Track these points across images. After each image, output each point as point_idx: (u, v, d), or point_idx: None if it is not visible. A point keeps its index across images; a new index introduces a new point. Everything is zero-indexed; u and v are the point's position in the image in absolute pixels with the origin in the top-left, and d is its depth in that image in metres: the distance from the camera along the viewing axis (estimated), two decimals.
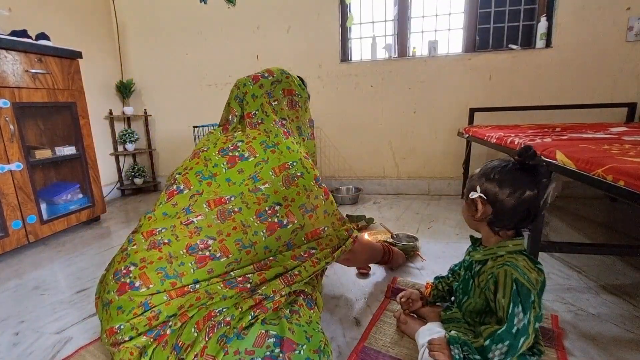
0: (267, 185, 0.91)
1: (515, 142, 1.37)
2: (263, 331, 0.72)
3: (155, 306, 0.77)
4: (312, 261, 0.92)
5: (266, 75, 1.14)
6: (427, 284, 1.05)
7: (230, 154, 0.97)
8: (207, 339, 0.71)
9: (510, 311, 0.70)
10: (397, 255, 1.37)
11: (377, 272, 1.40)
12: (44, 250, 1.79)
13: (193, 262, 0.83)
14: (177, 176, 0.98)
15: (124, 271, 0.81)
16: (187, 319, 0.77)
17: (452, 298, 1.00)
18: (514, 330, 0.69)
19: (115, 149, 2.87)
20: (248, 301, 0.80)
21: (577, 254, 1.43)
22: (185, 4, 2.67)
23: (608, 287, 1.21)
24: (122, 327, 0.74)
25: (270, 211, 0.90)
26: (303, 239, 0.93)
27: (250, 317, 0.76)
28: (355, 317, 1.11)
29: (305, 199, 0.92)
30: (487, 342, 0.71)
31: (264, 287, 0.85)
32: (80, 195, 2.09)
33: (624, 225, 1.83)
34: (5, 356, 0.99)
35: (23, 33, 1.84)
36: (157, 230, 0.87)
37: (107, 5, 2.80)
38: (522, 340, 0.69)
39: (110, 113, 2.79)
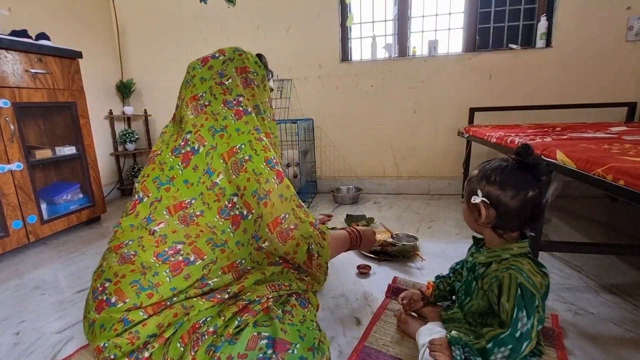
0: (221, 177, 0.87)
1: (516, 142, 1.37)
2: (255, 334, 0.71)
3: (134, 322, 0.75)
4: (297, 277, 0.94)
5: (217, 55, 1.08)
6: (429, 283, 1.05)
7: (183, 150, 0.93)
8: (193, 353, 0.69)
9: (514, 316, 0.69)
10: (367, 238, 1.24)
11: (378, 271, 1.40)
12: (45, 250, 1.79)
13: (168, 271, 0.81)
14: (136, 185, 0.96)
15: (100, 288, 0.80)
16: (165, 340, 0.74)
17: (453, 297, 1.00)
18: (517, 335, 0.69)
19: (116, 148, 2.87)
20: (231, 308, 0.79)
21: (577, 254, 1.43)
22: (186, 4, 2.67)
23: (608, 287, 1.21)
24: (106, 345, 0.73)
25: (229, 204, 0.87)
26: (267, 230, 0.88)
27: (236, 323, 0.74)
28: (356, 316, 1.11)
29: (255, 184, 0.86)
30: (489, 345, 0.70)
31: (248, 293, 0.84)
32: (81, 195, 2.09)
33: (624, 224, 1.83)
34: (6, 356, 0.99)
35: (23, 33, 1.84)
36: (124, 242, 0.86)
37: (107, 5, 2.80)
38: (525, 344, 0.69)
39: (111, 113, 2.79)
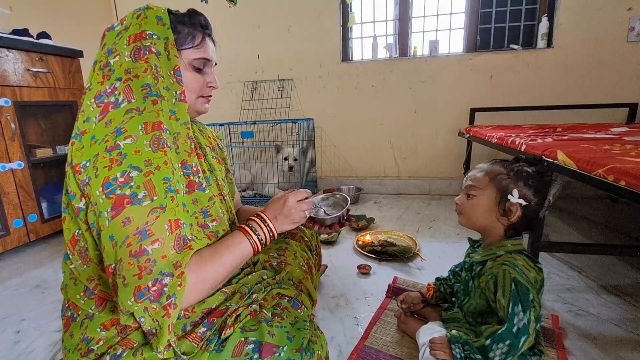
0: (83, 201, 0.63)
1: (517, 142, 1.37)
2: (242, 339, 0.67)
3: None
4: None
5: (114, 25, 0.75)
6: (429, 285, 1.05)
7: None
8: (175, 358, 0.64)
9: (510, 310, 0.71)
10: (282, 215, 0.79)
11: (378, 271, 1.40)
12: (45, 249, 1.79)
13: None
14: None
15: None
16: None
17: (453, 299, 1.00)
18: (514, 330, 0.70)
19: None
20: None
21: (578, 254, 1.43)
22: (186, 3, 2.66)
23: (608, 287, 1.21)
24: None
25: (79, 239, 0.66)
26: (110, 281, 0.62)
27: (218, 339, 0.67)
28: (356, 316, 1.11)
29: (92, 217, 0.61)
30: (487, 342, 0.71)
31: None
32: None
33: (625, 225, 1.83)
34: (7, 354, 1.00)
35: (24, 32, 1.84)
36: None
37: (108, 4, 2.80)
38: (522, 339, 0.69)
39: None
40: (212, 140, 0.95)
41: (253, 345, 0.67)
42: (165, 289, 0.58)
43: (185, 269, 0.61)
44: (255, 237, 0.74)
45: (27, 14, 2.14)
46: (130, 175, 0.60)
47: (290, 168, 2.41)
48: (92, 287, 0.66)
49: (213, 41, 0.82)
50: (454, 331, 0.81)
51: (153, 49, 0.71)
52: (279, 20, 2.56)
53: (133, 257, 0.57)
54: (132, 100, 0.67)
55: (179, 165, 0.70)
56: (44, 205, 1.85)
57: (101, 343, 0.66)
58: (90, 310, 0.67)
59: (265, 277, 0.90)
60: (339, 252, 1.58)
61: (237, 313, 0.73)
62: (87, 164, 0.61)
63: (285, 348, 0.67)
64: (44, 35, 1.92)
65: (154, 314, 0.58)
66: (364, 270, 1.37)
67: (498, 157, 0.88)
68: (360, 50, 2.64)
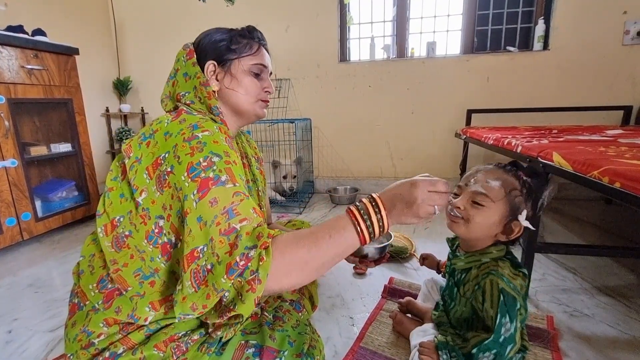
0: (144, 195, 0.65)
1: (513, 144, 1.38)
2: (243, 342, 0.68)
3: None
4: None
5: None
6: (443, 262, 1.05)
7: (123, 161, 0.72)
8: (174, 358, 0.64)
9: (497, 322, 0.70)
10: (400, 201, 0.67)
11: (374, 271, 1.40)
12: (39, 248, 1.77)
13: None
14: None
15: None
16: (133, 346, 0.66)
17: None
18: (501, 340, 0.70)
19: (112, 146, 2.85)
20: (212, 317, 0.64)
21: (573, 256, 1.43)
22: (184, 2, 2.66)
23: (603, 289, 1.22)
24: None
25: (156, 229, 0.66)
26: (181, 268, 0.61)
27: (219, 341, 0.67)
28: (352, 316, 1.11)
29: (177, 203, 0.62)
30: (474, 351, 0.72)
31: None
32: (76, 193, 2.08)
33: (619, 226, 1.85)
34: None
35: (19, 28, 1.82)
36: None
37: (104, 1, 2.78)
38: (509, 348, 0.70)
39: (107, 110, 2.78)
40: (257, 151, 1.01)
41: (254, 349, 0.67)
42: (250, 263, 0.56)
43: (272, 244, 0.58)
44: (363, 225, 0.61)
45: (22, 11, 2.12)
46: (213, 160, 0.62)
47: (292, 190, 2.38)
48: (112, 270, 0.66)
49: (268, 52, 0.90)
50: (440, 336, 0.81)
51: (180, 74, 0.79)
52: (276, 20, 2.56)
53: (223, 235, 0.58)
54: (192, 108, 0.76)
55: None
56: (37, 203, 1.83)
57: (102, 337, 0.66)
58: (96, 305, 0.67)
59: None
60: None
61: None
62: (167, 155, 0.64)
63: (286, 353, 0.67)
64: (39, 32, 1.90)
65: (239, 287, 0.56)
66: (360, 271, 1.37)
67: (494, 159, 0.86)
68: (358, 51, 2.65)
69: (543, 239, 1.62)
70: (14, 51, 1.66)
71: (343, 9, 2.50)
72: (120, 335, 0.66)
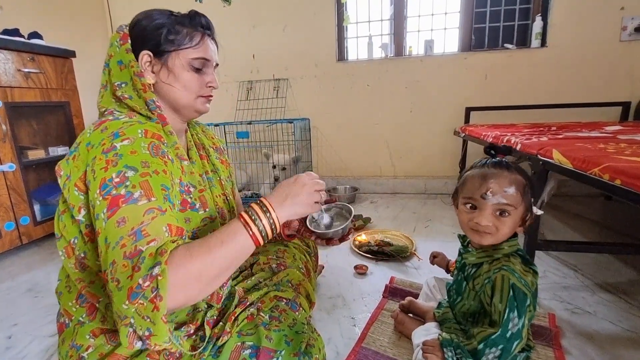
0: (83, 212, 0.61)
1: (512, 141, 1.37)
2: (239, 344, 0.67)
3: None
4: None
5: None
6: (453, 262, 1.05)
7: None
8: None
9: (505, 316, 0.70)
10: (287, 197, 0.68)
11: (375, 271, 1.39)
12: (38, 252, 1.76)
13: None
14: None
15: None
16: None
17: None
18: (508, 335, 0.70)
19: None
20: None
21: (574, 253, 1.43)
22: (181, 3, 2.64)
23: (604, 285, 1.21)
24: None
25: (82, 255, 0.63)
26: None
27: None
28: (353, 317, 1.10)
29: (95, 222, 0.58)
30: (480, 346, 0.71)
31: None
32: None
33: (619, 223, 1.85)
34: None
35: (15, 32, 1.81)
36: None
37: (101, 4, 2.77)
38: (515, 343, 0.70)
39: None
40: (216, 140, 0.95)
41: (250, 350, 0.66)
42: (152, 282, 0.51)
43: (169, 259, 0.53)
44: (253, 226, 0.62)
45: (18, 14, 2.11)
46: (126, 175, 0.57)
47: (276, 179, 2.39)
48: (80, 288, 0.65)
49: (215, 42, 0.78)
50: (445, 334, 0.81)
51: (109, 63, 0.73)
52: (274, 20, 2.55)
53: (127, 259, 0.52)
54: (133, 117, 0.68)
55: (178, 180, 0.68)
56: (36, 207, 1.82)
57: (90, 350, 0.65)
58: (81, 319, 0.66)
59: (262, 280, 0.89)
60: (335, 253, 1.58)
61: (235, 315, 0.72)
62: (87, 169, 0.59)
63: (283, 352, 0.66)
64: (35, 35, 1.89)
65: (143, 310, 0.51)
66: (360, 271, 1.37)
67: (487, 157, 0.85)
68: (356, 50, 2.64)
69: (543, 236, 1.62)
70: (10, 55, 1.65)
71: (340, 8, 2.49)
72: (108, 345, 0.65)
